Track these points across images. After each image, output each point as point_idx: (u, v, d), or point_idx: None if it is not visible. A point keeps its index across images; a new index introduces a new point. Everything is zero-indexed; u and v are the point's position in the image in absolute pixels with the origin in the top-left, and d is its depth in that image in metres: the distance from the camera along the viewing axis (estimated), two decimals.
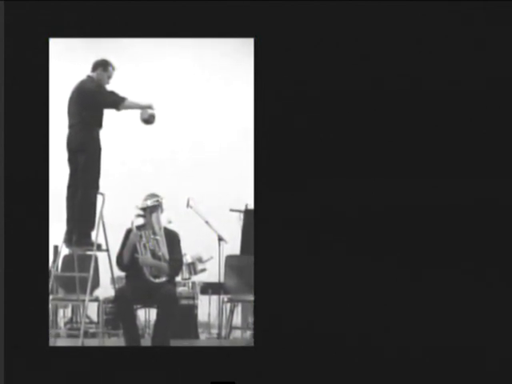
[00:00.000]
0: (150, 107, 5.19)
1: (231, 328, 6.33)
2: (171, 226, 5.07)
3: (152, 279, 4.83)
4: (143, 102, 5.20)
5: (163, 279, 4.85)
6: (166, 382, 3.40)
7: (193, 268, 6.34)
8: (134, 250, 4.89)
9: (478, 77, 3.36)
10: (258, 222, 3.44)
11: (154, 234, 4.94)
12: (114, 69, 5.30)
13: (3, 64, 3.42)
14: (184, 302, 6.14)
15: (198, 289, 6.43)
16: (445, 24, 3.38)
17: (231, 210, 6.70)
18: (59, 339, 5.73)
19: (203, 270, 6.42)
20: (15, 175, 3.42)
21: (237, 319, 6.69)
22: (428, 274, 3.33)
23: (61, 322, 6.64)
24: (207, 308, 6.50)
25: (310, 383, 3.34)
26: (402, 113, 3.39)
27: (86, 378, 3.39)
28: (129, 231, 4.97)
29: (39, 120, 3.48)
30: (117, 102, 5.13)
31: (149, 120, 5.18)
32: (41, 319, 3.39)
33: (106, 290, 6.24)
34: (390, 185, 3.38)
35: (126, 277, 5.15)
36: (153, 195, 5.04)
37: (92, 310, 6.34)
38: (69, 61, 7.18)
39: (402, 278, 3.35)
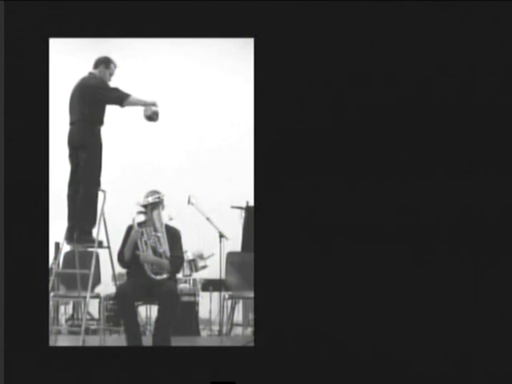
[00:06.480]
0: (153, 104, 5.17)
1: (232, 325, 6.34)
2: (172, 223, 5.08)
3: (153, 276, 4.84)
4: (147, 99, 5.19)
5: (164, 276, 4.86)
6: (167, 381, 3.41)
7: (194, 265, 6.35)
8: (135, 246, 4.91)
9: (479, 77, 3.37)
10: (258, 219, 3.45)
11: (155, 230, 4.95)
12: (115, 66, 5.28)
13: (3, 64, 3.42)
14: (185, 298, 6.16)
15: (199, 285, 6.45)
16: (446, 24, 3.38)
17: (232, 207, 6.71)
18: (60, 336, 5.74)
19: (204, 267, 6.43)
20: (16, 172, 3.42)
21: (238, 316, 6.69)
22: (429, 274, 3.34)
23: (62, 319, 6.65)
24: (208, 305, 6.51)
25: (309, 383, 3.35)
26: (402, 113, 3.39)
27: (86, 377, 3.40)
28: (130, 228, 4.99)
29: (39, 119, 3.48)
30: (121, 97, 5.11)
31: (152, 117, 5.16)
32: (41, 319, 3.40)
33: (107, 287, 6.26)
34: (390, 184, 3.38)
35: (127, 273, 5.16)
36: (154, 192, 5.05)
37: (93, 307, 6.35)
38: (69, 61, 7.18)
39: (402, 277, 3.35)
